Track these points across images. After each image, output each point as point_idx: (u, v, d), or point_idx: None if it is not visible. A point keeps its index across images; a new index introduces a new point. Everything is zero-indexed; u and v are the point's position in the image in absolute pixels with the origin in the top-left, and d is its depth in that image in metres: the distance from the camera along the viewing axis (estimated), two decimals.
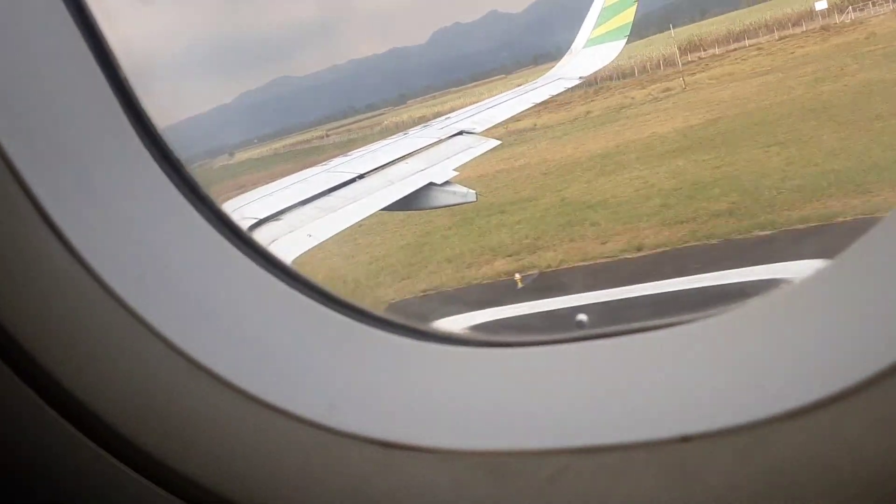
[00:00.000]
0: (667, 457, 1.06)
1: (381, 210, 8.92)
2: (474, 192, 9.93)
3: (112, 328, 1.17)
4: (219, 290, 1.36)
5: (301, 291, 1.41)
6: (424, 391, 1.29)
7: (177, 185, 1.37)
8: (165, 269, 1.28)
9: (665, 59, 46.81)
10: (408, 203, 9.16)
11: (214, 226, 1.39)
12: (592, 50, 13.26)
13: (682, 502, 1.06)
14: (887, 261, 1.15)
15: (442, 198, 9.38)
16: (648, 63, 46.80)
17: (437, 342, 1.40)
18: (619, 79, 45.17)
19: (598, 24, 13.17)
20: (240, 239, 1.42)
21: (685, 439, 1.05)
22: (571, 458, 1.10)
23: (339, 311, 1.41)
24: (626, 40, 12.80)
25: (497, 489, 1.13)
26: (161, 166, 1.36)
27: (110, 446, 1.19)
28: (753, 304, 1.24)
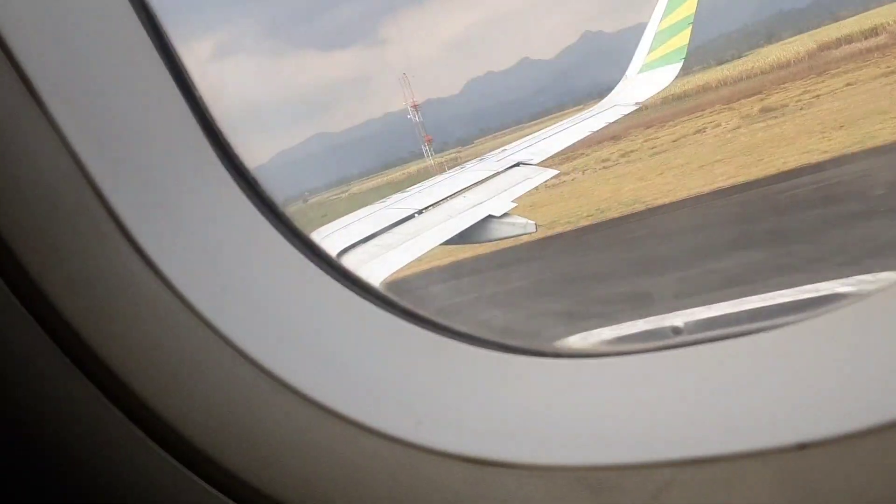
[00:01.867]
0: (782, 467, 1.00)
1: (442, 244, 8.82)
2: (533, 223, 9.80)
3: (197, 348, 1.17)
4: (301, 308, 1.36)
5: (383, 308, 1.41)
6: (516, 405, 1.26)
7: (256, 205, 1.38)
8: (249, 288, 1.28)
9: None
10: (468, 236, 9.09)
11: (295, 245, 1.40)
12: (648, 75, 13.11)
13: None
14: None
15: (501, 230, 9.31)
16: None
17: (525, 355, 1.36)
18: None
19: (652, 49, 13.02)
20: (320, 258, 1.42)
21: (802, 447, 0.99)
22: (676, 472, 1.04)
23: (423, 327, 1.39)
24: (682, 63, 12.61)
25: None
26: (239, 185, 1.37)
27: (195, 465, 1.18)
28: (871, 297, 1.16)
